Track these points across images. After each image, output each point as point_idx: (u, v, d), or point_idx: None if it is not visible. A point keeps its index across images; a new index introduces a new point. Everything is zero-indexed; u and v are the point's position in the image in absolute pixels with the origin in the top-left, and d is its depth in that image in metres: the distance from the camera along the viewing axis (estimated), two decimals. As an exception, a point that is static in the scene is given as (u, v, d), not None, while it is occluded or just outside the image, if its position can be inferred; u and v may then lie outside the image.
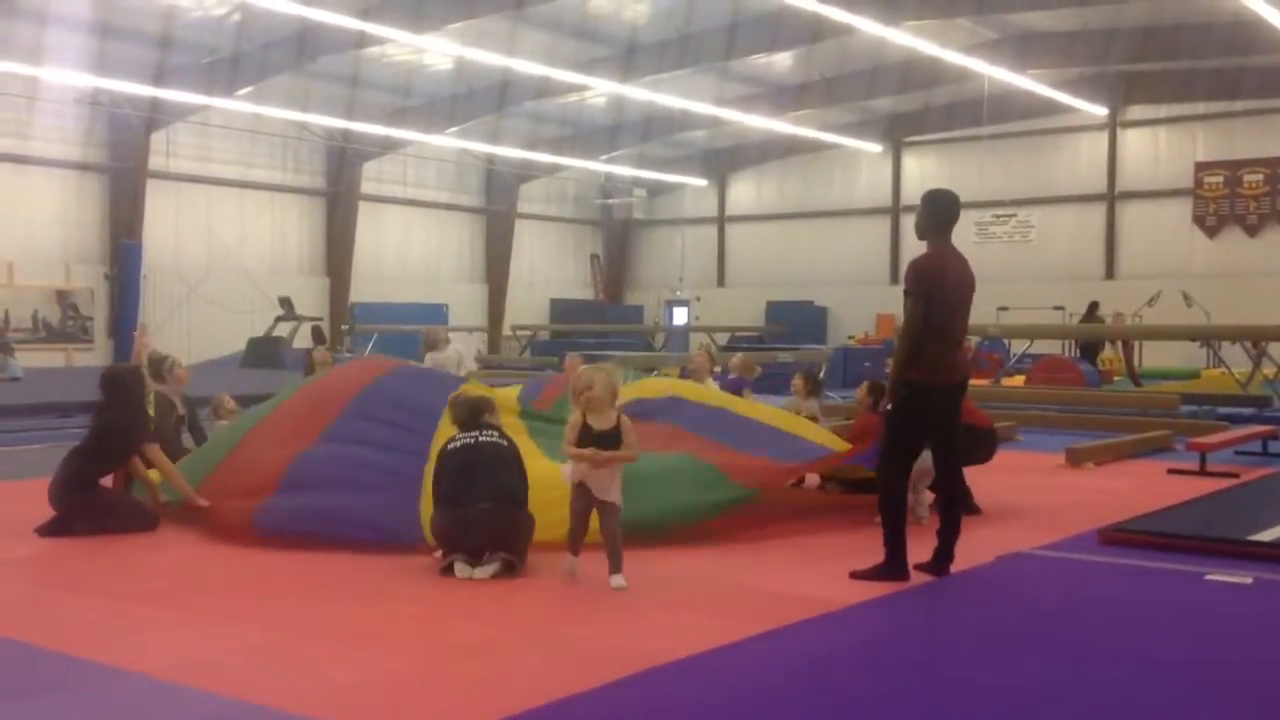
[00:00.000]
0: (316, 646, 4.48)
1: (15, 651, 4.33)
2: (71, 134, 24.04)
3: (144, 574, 5.83)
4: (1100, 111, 27.45)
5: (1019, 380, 18.61)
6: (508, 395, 8.01)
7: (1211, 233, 27.50)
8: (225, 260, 26.79)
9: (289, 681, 4.03)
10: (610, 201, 35.81)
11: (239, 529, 6.44)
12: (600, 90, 25.18)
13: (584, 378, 5.67)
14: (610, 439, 5.52)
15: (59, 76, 21.25)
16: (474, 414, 6.10)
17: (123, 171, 24.66)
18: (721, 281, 35.04)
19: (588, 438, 5.53)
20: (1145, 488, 9.02)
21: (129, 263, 24.38)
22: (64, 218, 24.39)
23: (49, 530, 6.63)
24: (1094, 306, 21.05)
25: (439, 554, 5.79)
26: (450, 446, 5.96)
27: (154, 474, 7.14)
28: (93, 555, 6.18)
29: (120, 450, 7.00)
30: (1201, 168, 27.57)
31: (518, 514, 5.83)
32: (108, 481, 7.15)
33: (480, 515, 5.66)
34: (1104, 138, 28.80)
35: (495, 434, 6.03)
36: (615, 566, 5.47)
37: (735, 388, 10.62)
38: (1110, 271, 28.72)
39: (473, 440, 5.91)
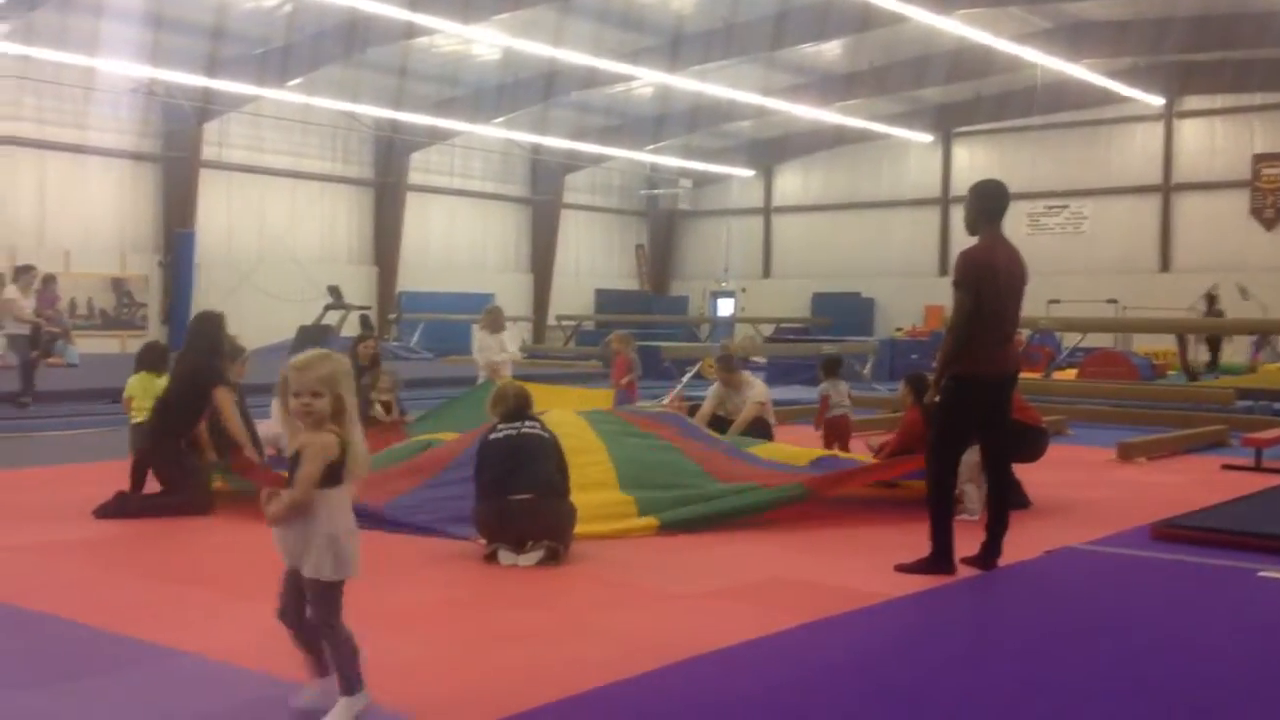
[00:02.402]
0: (361, 630, 4.51)
1: (77, 633, 4.42)
2: (127, 124, 24.41)
3: (197, 557, 5.92)
4: (1155, 102, 26.95)
5: (1071, 374, 18.38)
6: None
7: (1269, 225, 26.94)
8: (276, 249, 27.09)
9: (335, 665, 4.07)
10: (656, 192, 35.75)
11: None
12: (647, 80, 25.14)
13: (304, 375, 3.44)
14: (295, 472, 3.45)
15: (115, 67, 21.58)
16: (519, 407, 6.15)
17: (176, 161, 25.01)
18: (767, 273, 34.90)
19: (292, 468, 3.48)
20: (1198, 483, 8.88)
21: (183, 251, 24.76)
22: (119, 207, 24.80)
23: (105, 512, 6.76)
24: (1213, 299, 20.51)
25: (483, 541, 5.82)
26: (492, 437, 6.00)
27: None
28: (148, 539, 6.28)
29: (196, 392, 7.09)
30: (1259, 159, 26.99)
31: (559, 504, 5.85)
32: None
33: (522, 506, 5.69)
34: (1159, 128, 28.30)
35: (537, 426, 6.06)
36: (345, 685, 3.46)
37: None
38: (1165, 264, 28.25)
39: (515, 431, 5.95)
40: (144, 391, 7.43)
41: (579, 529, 5.97)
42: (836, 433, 9.76)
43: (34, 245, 22.77)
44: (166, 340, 23.95)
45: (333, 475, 3.41)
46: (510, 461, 5.83)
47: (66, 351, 17.72)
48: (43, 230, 23.51)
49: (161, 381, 7.44)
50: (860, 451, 9.17)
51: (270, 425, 9.07)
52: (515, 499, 5.71)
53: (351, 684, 3.46)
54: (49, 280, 15.57)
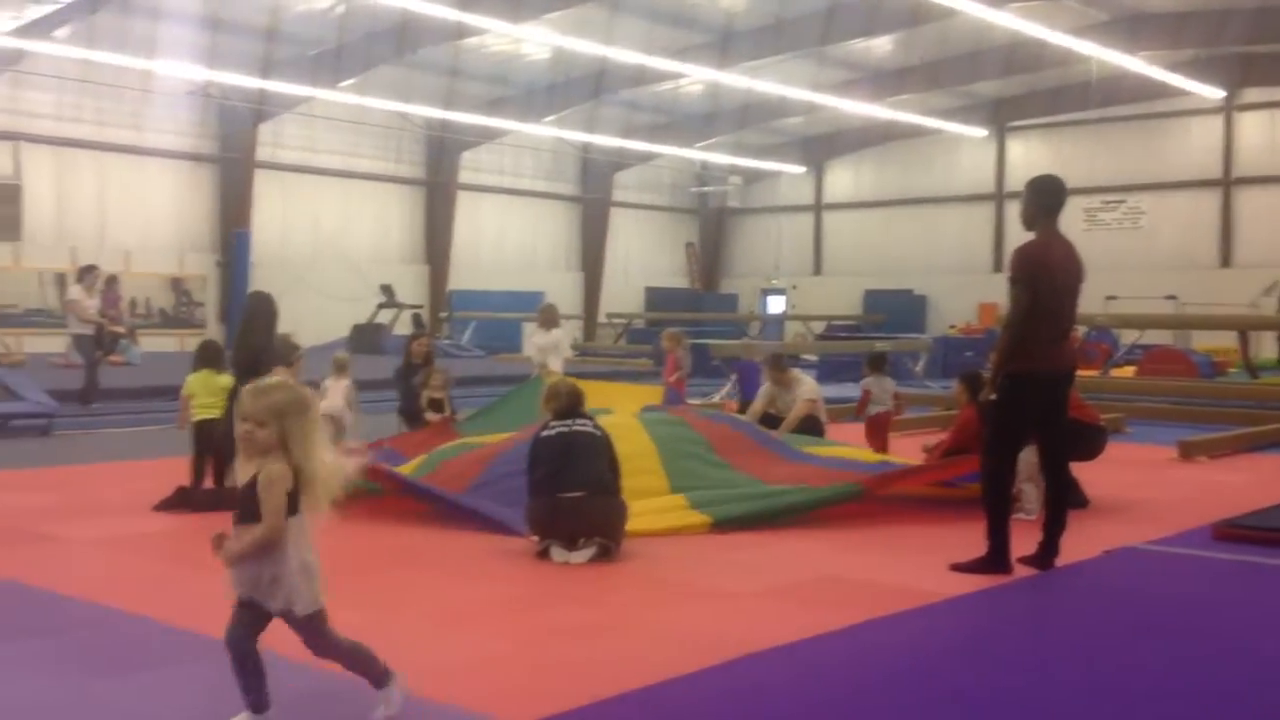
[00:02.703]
0: (417, 626, 4.57)
1: (141, 626, 4.51)
2: (184, 125, 24.81)
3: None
4: (1215, 94, 26.42)
5: (1129, 371, 18.10)
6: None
7: (1334, 219, 26.34)
8: (329, 249, 27.42)
9: (389, 657, 4.09)
10: (706, 189, 35.69)
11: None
12: (696, 77, 25.11)
13: (254, 402, 3.35)
14: (246, 505, 3.37)
15: (173, 70, 21.94)
16: (572, 405, 6.18)
17: (232, 162, 25.39)
18: (818, 270, 34.71)
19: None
20: (1261, 482, 8.70)
21: (239, 251, 25.12)
22: (177, 207, 25.22)
23: (167, 506, 6.89)
24: None
25: (535, 538, 5.85)
26: (544, 434, 6.03)
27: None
28: (208, 534, 6.35)
29: (261, 376, 7.24)
30: (1324, 152, 26.43)
31: (610, 501, 5.87)
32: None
33: (573, 503, 5.72)
34: (1219, 121, 27.75)
35: (589, 424, 6.08)
36: (375, 681, 3.57)
37: None
38: (1226, 260, 27.70)
39: (567, 428, 5.98)
40: (203, 389, 7.54)
41: (633, 526, 5.98)
42: (876, 429, 9.70)
43: (95, 246, 23.23)
44: (223, 338, 24.42)
45: (291, 504, 3.33)
46: (561, 459, 5.86)
47: (129, 351, 18.04)
48: (103, 231, 23.97)
49: (220, 379, 7.55)
50: (903, 452, 9.07)
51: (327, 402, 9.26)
52: (566, 496, 5.73)
53: (380, 679, 3.53)
54: (111, 281, 15.65)
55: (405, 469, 7.55)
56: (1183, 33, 22.71)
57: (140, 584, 5.20)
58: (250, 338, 7.43)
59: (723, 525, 6.47)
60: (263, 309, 7.60)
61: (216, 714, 3.55)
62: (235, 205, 25.39)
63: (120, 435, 11.08)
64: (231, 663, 3.41)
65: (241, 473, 3.39)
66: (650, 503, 6.57)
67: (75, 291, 13.22)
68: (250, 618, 3.39)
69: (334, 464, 3.42)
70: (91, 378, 12.77)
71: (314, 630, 3.43)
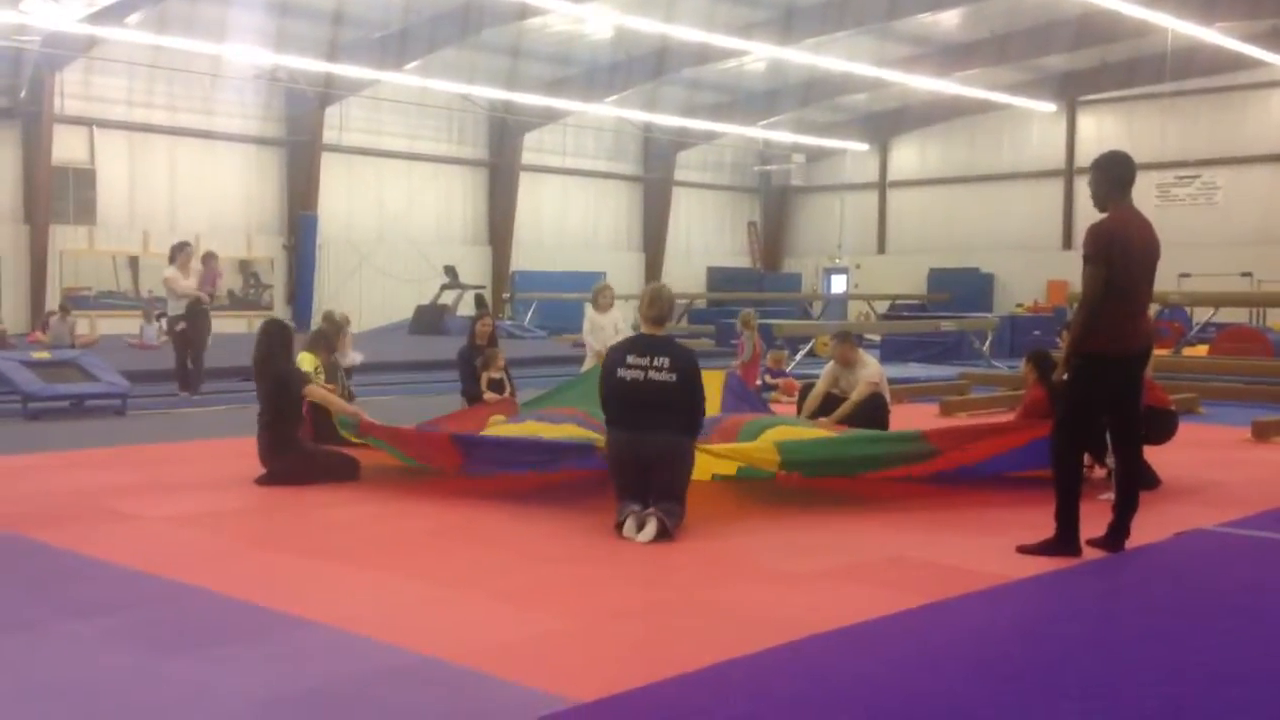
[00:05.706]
0: (482, 602, 4.61)
1: (212, 602, 4.60)
2: (252, 109, 25.22)
3: (327, 531, 6.09)
4: (1295, 65, 25.62)
5: (1202, 350, 17.69)
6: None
7: None
8: (394, 230, 27.70)
9: (457, 635, 4.16)
10: (768, 168, 35.45)
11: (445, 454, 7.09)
12: (759, 55, 24.90)
13: None
14: None
15: (241, 54, 22.26)
16: (667, 313, 6.20)
17: (299, 145, 25.73)
18: (882, 248, 34.35)
19: None
20: (1341, 465, 8.47)
21: (306, 233, 25.49)
22: (246, 190, 25.65)
23: (265, 480, 7.22)
24: None
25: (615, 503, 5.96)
26: (619, 374, 5.98)
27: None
28: (280, 513, 6.47)
29: (292, 394, 7.46)
30: None
31: (682, 445, 5.94)
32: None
33: (647, 442, 5.85)
34: (1299, 93, 26.93)
35: (666, 365, 5.90)
36: None
37: None
38: (1305, 235, 26.95)
39: (641, 374, 5.93)
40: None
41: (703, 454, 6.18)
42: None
43: (166, 228, 23.73)
44: (291, 320, 24.80)
45: None
46: (634, 405, 5.92)
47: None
48: (174, 214, 24.46)
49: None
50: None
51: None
52: (641, 433, 5.85)
53: None
54: (209, 257, 14.77)
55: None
56: (1261, 2, 22.03)
57: (211, 560, 5.30)
58: (275, 365, 7.47)
59: (790, 469, 6.48)
60: (282, 337, 7.61)
61: (283, 689, 3.62)
62: (302, 188, 25.75)
63: (192, 415, 11.29)
64: None
65: None
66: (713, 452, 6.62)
67: (169, 270, 12.64)
68: None
69: None
70: (183, 366, 12.39)
71: None
